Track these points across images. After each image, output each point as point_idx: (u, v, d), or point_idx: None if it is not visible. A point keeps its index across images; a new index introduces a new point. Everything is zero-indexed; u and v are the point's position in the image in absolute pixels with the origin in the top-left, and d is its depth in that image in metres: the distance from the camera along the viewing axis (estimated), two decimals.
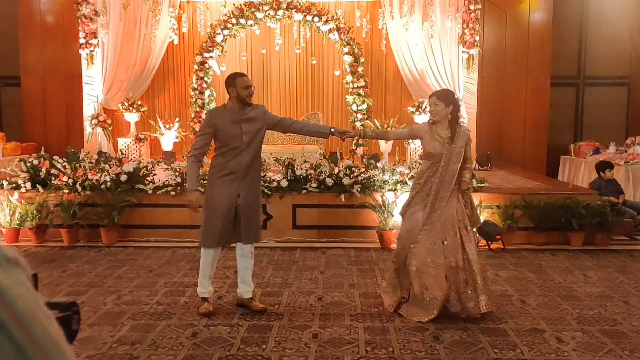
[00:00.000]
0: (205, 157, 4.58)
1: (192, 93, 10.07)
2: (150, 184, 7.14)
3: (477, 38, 10.07)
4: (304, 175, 7.19)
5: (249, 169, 4.40)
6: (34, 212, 6.84)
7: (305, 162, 7.64)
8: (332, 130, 4.61)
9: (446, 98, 4.41)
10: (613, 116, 12.25)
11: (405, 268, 4.44)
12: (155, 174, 7.38)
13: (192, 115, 10.08)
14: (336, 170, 7.23)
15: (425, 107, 10.09)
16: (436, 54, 10.22)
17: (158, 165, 7.79)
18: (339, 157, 8.09)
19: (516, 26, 11.23)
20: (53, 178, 7.15)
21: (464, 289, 4.29)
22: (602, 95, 12.22)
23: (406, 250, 4.42)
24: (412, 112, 10.33)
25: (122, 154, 8.99)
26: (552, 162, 11.20)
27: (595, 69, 12.18)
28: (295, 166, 7.35)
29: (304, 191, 7.08)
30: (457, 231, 4.35)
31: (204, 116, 9.79)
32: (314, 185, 7.07)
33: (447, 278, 4.30)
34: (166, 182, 7.14)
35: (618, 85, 12.22)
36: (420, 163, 8.69)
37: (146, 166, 7.34)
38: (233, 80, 4.39)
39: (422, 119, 10.29)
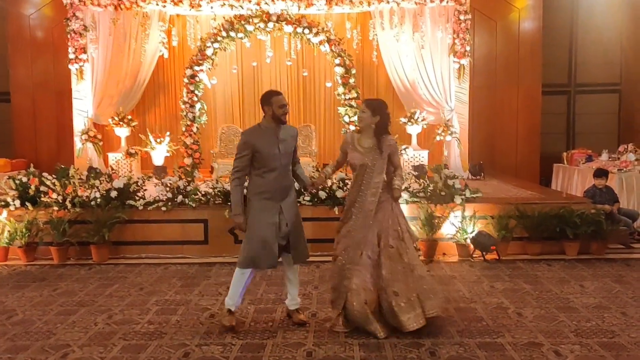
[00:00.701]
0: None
1: (183, 107, 10.00)
2: (141, 199, 7.06)
3: (468, 48, 10.08)
4: (297, 188, 7.10)
5: (288, 189, 4.43)
6: (24, 230, 6.74)
7: None
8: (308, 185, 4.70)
9: (374, 107, 4.34)
10: (605, 123, 12.28)
11: (342, 286, 4.33)
12: (145, 190, 7.30)
13: (183, 129, 10.01)
14: (329, 183, 7.17)
15: (418, 118, 10.10)
16: (427, 64, 10.22)
17: (149, 180, 7.71)
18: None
19: (506, 35, 11.25)
20: (42, 195, 7.06)
21: (397, 301, 4.18)
22: (593, 103, 12.26)
23: (345, 269, 4.32)
24: (404, 122, 10.31)
25: (112, 169, 8.90)
26: (545, 170, 11.18)
27: (586, 77, 12.23)
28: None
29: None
30: (391, 243, 4.28)
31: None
32: (307, 198, 7.01)
33: (378, 291, 4.25)
34: (157, 198, 7.06)
35: (609, 92, 12.26)
36: (412, 173, 8.69)
37: (137, 182, 7.26)
38: (269, 99, 4.34)
39: (414, 129, 10.29)
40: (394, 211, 4.37)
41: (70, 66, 10.16)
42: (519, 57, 11.23)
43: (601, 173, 7.69)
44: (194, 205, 6.98)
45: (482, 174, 10.06)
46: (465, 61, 10.12)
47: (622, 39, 12.05)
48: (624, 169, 8.77)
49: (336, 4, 10.08)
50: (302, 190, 4.75)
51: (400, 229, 4.34)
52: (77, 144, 10.23)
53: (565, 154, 10.67)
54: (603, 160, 9.59)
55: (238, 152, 4.38)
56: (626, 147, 9.81)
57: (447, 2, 10.00)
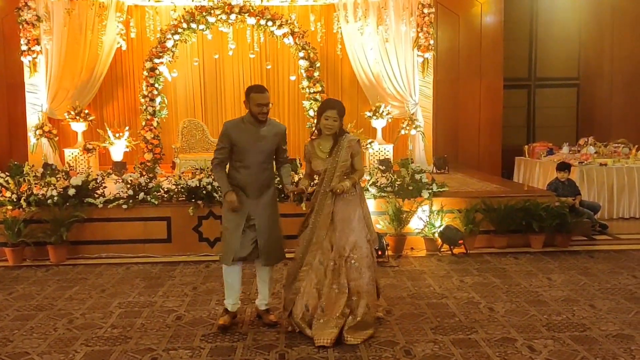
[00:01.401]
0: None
1: (143, 100, 9.67)
2: (101, 197, 6.80)
3: (432, 42, 10.08)
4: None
5: (264, 187, 4.28)
6: None
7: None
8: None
9: (343, 114, 4.18)
10: (564, 117, 12.52)
11: (291, 288, 4.24)
12: (105, 187, 7.03)
13: (143, 123, 9.68)
14: (296, 178, 7.06)
15: (382, 112, 10.06)
16: (391, 58, 10.18)
17: (108, 177, 7.44)
18: (298, 165, 7.94)
19: (469, 29, 11.31)
20: None
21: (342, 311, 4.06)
22: (553, 97, 12.47)
23: (296, 272, 4.23)
24: (369, 116, 10.26)
25: (69, 166, 8.57)
26: (506, 163, 11.32)
27: (546, 71, 12.43)
28: None
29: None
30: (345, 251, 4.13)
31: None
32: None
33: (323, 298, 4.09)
34: (117, 195, 6.81)
35: (568, 86, 12.50)
36: (378, 168, 8.63)
37: (95, 179, 6.99)
38: (248, 94, 4.22)
39: (379, 123, 10.25)
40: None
41: (22, 58, 9.72)
42: (481, 51, 11.31)
43: (564, 166, 7.80)
44: (156, 202, 6.76)
45: (447, 168, 10.11)
46: (429, 55, 10.12)
47: (581, 34, 12.28)
48: (585, 162, 8.93)
49: None
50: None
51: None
52: (31, 139, 9.81)
53: (526, 147, 10.82)
54: (564, 154, 9.75)
55: (218, 143, 4.32)
56: (586, 140, 10.01)
57: None
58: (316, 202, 4.24)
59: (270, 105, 4.25)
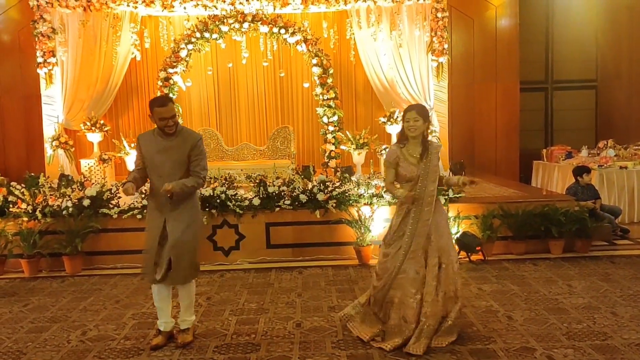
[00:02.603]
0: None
1: None
2: (115, 207, 6.81)
3: (446, 46, 9.98)
4: (277, 192, 6.94)
5: (176, 201, 4.07)
6: None
7: (277, 178, 7.41)
8: None
9: (425, 114, 4.15)
10: (582, 119, 12.32)
11: (385, 300, 4.16)
12: (119, 197, 7.05)
13: None
14: (310, 185, 7.01)
15: (397, 117, 9.98)
16: (405, 63, 10.11)
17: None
18: (312, 172, 7.90)
19: (484, 33, 11.19)
20: (11, 205, 6.77)
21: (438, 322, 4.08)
22: (570, 99, 12.28)
23: (390, 283, 4.12)
24: (384, 122, 10.18)
25: (84, 177, 8.61)
26: (524, 167, 11.16)
27: (563, 73, 12.25)
28: (268, 183, 7.10)
29: (277, 209, 6.83)
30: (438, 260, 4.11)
31: None
32: (288, 202, 6.84)
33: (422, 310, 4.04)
34: (132, 205, 6.81)
35: (586, 88, 12.29)
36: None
37: (110, 189, 7.00)
38: (152, 108, 4.06)
39: (393, 129, 10.17)
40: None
41: (38, 70, 9.81)
42: (496, 54, 11.18)
43: (583, 170, 7.65)
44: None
45: (463, 173, 9.97)
46: (443, 59, 10.02)
47: (598, 35, 12.09)
48: (604, 165, 8.76)
49: (312, 3, 9.91)
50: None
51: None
52: (48, 150, 9.90)
53: (544, 150, 10.66)
54: (583, 157, 9.58)
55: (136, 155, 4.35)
56: (606, 143, 9.82)
57: (425, 0, 9.90)
58: (410, 209, 4.12)
59: (177, 116, 4.13)
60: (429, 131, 9.75)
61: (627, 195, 8.52)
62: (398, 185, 4.24)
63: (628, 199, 8.51)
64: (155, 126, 4.14)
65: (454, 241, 6.54)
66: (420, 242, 4.07)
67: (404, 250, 4.09)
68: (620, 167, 8.68)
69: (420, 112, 4.12)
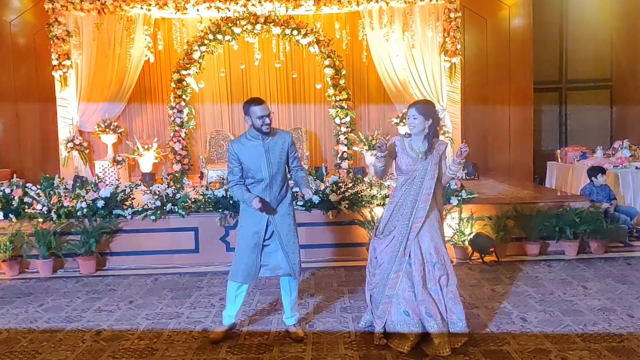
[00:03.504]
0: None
1: (170, 112, 9.81)
2: (129, 208, 6.85)
3: (459, 46, 9.95)
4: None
5: (279, 200, 4.23)
6: (7, 243, 6.50)
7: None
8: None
9: (425, 111, 4.03)
10: (597, 119, 12.21)
11: (382, 296, 4.08)
12: (134, 198, 7.09)
13: (171, 134, 9.81)
14: (322, 186, 7.01)
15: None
16: (418, 63, 10.08)
17: (136, 188, 7.49)
18: (325, 173, 7.89)
19: (497, 33, 11.13)
20: (26, 207, 6.83)
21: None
22: (585, 99, 12.17)
23: (384, 280, 4.06)
24: (396, 123, 10.16)
25: (98, 178, 8.68)
26: (539, 168, 11.08)
27: (577, 73, 12.15)
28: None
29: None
30: (424, 264, 4.01)
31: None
32: (300, 203, 6.83)
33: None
34: (146, 206, 6.85)
35: (601, 88, 12.19)
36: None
37: (124, 190, 7.05)
38: (247, 108, 4.15)
39: (405, 130, 10.12)
40: (434, 227, 4.10)
41: (53, 73, 9.91)
42: (510, 54, 11.12)
43: (598, 170, 7.57)
44: (183, 213, 6.78)
45: (477, 174, 9.94)
46: (456, 60, 9.99)
47: (612, 34, 11.98)
48: (620, 166, 8.68)
49: (324, 5, 9.92)
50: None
51: (435, 251, 4.09)
52: (63, 152, 10.00)
53: (558, 151, 10.57)
54: (598, 157, 9.48)
55: (228, 165, 4.28)
56: (621, 143, 9.72)
57: (437, 0, 9.87)
58: (407, 204, 4.06)
59: (272, 115, 4.18)
60: (441, 131, 9.78)
61: None
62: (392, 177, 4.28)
63: None
64: (250, 128, 4.19)
65: (467, 243, 6.56)
66: (412, 238, 4.01)
67: (394, 246, 4.04)
68: (636, 168, 8.58)
69: (419, 109, 4.03)
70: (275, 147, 4.20)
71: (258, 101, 4.16)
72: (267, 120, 4.10)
